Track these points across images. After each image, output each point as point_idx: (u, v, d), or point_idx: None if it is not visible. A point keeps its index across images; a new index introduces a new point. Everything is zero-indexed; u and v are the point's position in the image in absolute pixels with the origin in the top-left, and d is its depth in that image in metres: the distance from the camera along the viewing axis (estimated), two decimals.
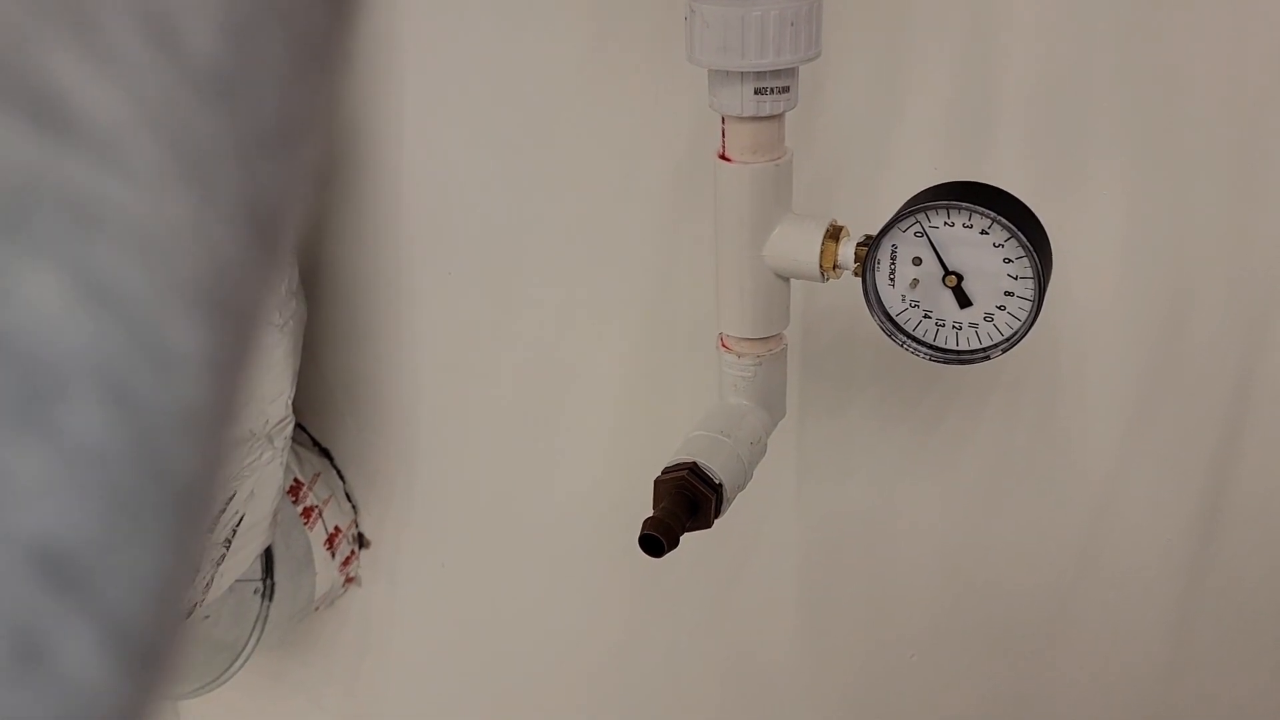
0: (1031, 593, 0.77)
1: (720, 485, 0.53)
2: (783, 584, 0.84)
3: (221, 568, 0.76)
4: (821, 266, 0.54)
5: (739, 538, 0.84)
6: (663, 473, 0.54)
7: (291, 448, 0.90)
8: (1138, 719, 0.78)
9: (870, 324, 0.64)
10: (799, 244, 0.54)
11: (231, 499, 0.74)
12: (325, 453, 0.98)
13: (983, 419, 0.72)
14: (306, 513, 0.94)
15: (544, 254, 0.80)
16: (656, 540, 0.50)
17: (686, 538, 0.85)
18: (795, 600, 0.84)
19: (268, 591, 0.90)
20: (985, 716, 0.82)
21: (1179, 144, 0.64)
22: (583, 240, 0.78)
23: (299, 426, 0.97)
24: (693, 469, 0.53)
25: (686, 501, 0.52)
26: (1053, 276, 0.63)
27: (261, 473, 0.77)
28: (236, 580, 0.85)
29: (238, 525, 0.76)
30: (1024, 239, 0.50)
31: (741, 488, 0.56)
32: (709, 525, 0.54)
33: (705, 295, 0.71)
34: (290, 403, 0.79)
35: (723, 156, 0.54)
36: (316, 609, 1.01)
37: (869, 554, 0.80)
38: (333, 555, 0.98)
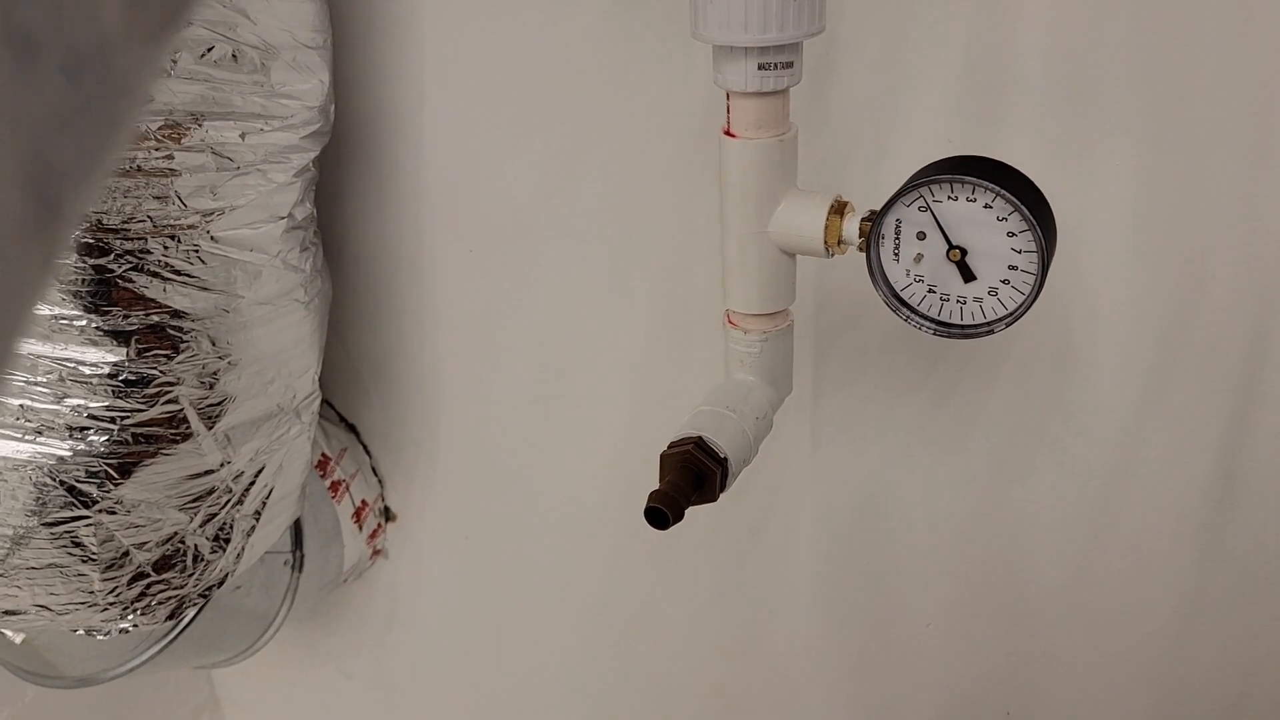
0: (1044, 563, 0.77)
1: (725, 459, 0.54)
2: (796, 557, 0.85)
3: (252, 539, 0.78)
4: (826, 242, 0.55)
5: (754, 510, 0.85)
6: (669, 447, 0.55)
7: (319, 423, 0.92)
8: (1149, 688, 0.79)
9: (878, 302, 0.65)
10: (804, 219, 0.55)
11: (260, 472, 0.77)
12: (352, 428, 1.00)
13: (995, 391, 0.73)
14: (334, 487, 0.97)
15: (561, 231, 0.81)
16: (661, 513, 0.52)
17: (703, 510, 0.86)
18: (809, 573, 0.85)
19: (297, 563, 0.93)
20: (998, 687, 0.83)
21: (1191, 116, 0.64)
22: (600, 217, 0.79)
23: (326, 403, 0.99)
24: (698, 443, 0.54)
25: (692, 475, 0.54)
26: (1064, 249, 0.63)
27: (290, 446, 0.79)
28: (267, 552, 0.87)
29: (267, 498, 0.78)
30: (1027, 213, 0.50)
31: (747, 462, 0.57)
32: (714, 499, 0.55)
33: (720, 271, 0.72)
34: (317, 379, 0.80)
35: (727, 132, 0.55)
36: (345, 581, 1.04)
37: (882, 526, 0.81)
38: (360, 528, 1.00)
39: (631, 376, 0.84)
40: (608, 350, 0.85)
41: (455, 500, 0.99)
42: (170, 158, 0.62)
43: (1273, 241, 0.66)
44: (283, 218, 0.71)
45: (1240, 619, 0.74)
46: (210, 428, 0.69)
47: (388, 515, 1.03)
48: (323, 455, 0.96)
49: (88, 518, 0.66)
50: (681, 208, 0.75)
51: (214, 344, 0.67)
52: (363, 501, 1.00)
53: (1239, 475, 0.71)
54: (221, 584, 0.78)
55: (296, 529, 0.92)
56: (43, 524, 0.65)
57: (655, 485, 0.55)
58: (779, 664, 0.90)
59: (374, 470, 1.01)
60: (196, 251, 0.65)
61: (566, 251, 0.82)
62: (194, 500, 0.72)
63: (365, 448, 1.01)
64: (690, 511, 0.88)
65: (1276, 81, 0.63)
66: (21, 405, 0.63)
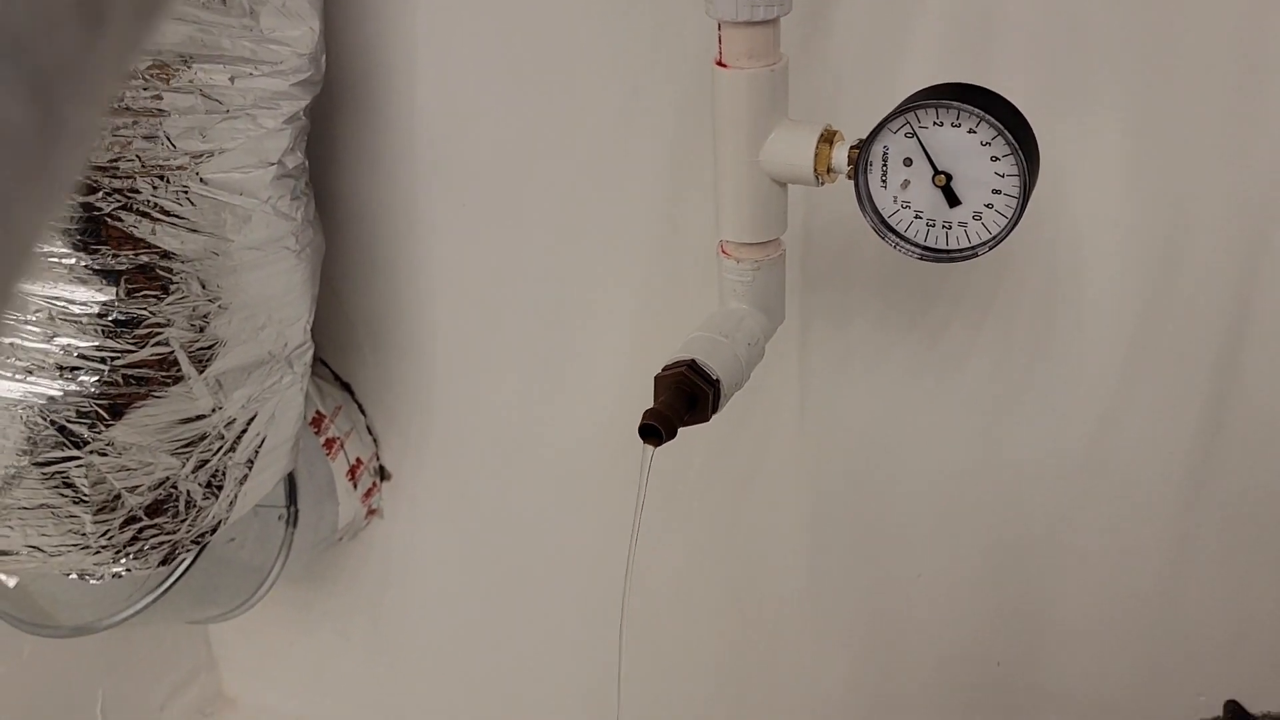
0: (1034, 507, 0.78)
1: (718, 381, 0.55)
2: (788, 502, 0.85)
3: (244, 487, 0.78)
4: (816, 170, 0.55)
5: (744, 457, 0.85)
6: (663, 369, 0.56)
7: (313, 381, 0.93)
8: (1142, 634, 0.79)
9: (871, 237, 0.65)
10: (794, 148, 0.55)
11: (253, 420, 0.77)
12: (346, 386, 1.01)
13: (984, 333, 0.73)
14: (328, 444, 0.97)
15: (556, 180, 0.81)
16: (655, 429, 0.52)
17: (696, 462, 0.86)
18: (799, 525, 0.86)
19: (291, 518, 0.93)
20: (989, 637, 0.84)
21: (1181, 58, 0.64)
22: (594, 164, 0.79)
23: (320, 361, 0.99)
24: (691, 365, 0.55)
25: (685, 396, 0.54)
26: (1052, 191, 0.64)
27: (282, 396, 0.79)
28: (261, 506, 0.87)
29: (260, 446, 0.79)
30: (1010, 138, 0.51)
31: (739, 386, 0.57)
32: (706, 419, 0.55)
33: (713, 218, 0.72)
34: (309, 329, 0.81)
35: (719, 63, 0.55)
36: (340, 540, 1.04)
37: (872, 475, 0.81)
38: (355, 486, 1.00)
39: (627, 327, 0.84)
40: (604, 304, 0.85)
41: (450, 459, 0.99)
42: (159, 98, 0.62)
43: (1262, 184, 0.66)
44: (273, 164, 0.71)
45: (1232, 562, 0.75)
46: (201, 371, 0.70)
47: (383, 474, 1.03)
48: (317, 412, 0.96)
49: (79, 459, 0.66)
50: (676, 148, 0.75)
51: (204, 286, 0.68)
52: (357, 460, 1.00)
53: (1227, 421, 0.72)
54: (214, 531, 0.78)
55: (290, 484, 0.92)
56: (34, 464, 0.66)
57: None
58: (770, 615, 0.91)
59: (369, 429, 1.02)
60: (186, 193, 0.65)
61: (560, 201, 0.82)
62: (186, 445, 0.72)
63: (360, 406, 1.01)
64: (683, 463, 0.88)
65: (1266, 25, 0.63)
66: (11, 344, 0.64)
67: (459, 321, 0.92)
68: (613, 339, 0.85)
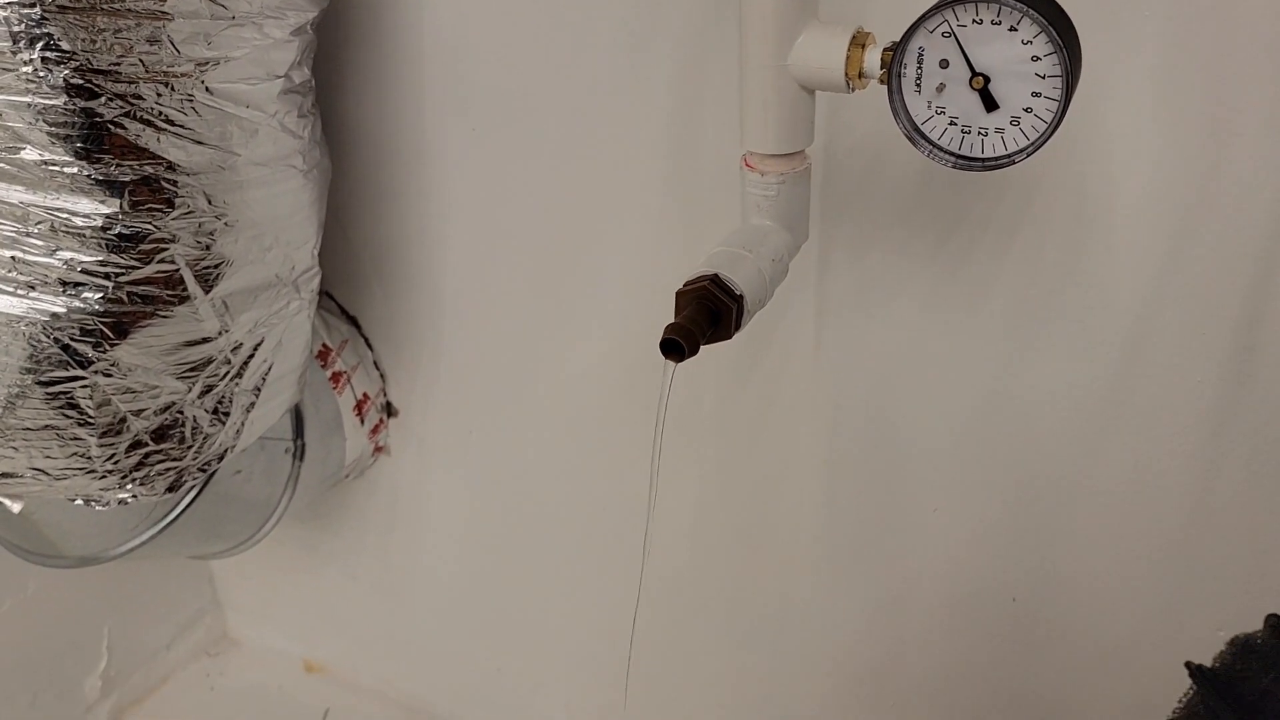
0: (1057, 440, 0.76)
1: (741, 296, 0.53)
2: (802, 442, 0.84)
3: (251, 415, 0.77)
4: (847, 74, 0.53)
5: (759, 396, 0.84)
6: (684, 285, 0.54)
7: (319, 314, 0.91)
8: (1162, 570, 0.78)
9: (894, 160, 0.63)
10: (824, 52, 0.53)
11: (259, 346, 0.75)
12: (353, 320, 0.99)
13: (1009, 260, 0.71)
14: (335, 378, 0.95)
15: (566, 102, 0.79)
16: (678, 344, 0.50)
17: (709, 397, 0.85)
18: (814, 459, 0.84)
19: (298, 452, 0.92)
20: (1005, 572, 0.83)
21: None
22: (605, 85, 0.77)
23: (327, 295, 0.97)
24: (714, 280, 0.53)
25: (708, 311, 0.52)
26: (1083, 107, 0.61)
27: (289, 322, 0.77)
28: (267, 438, 0.86)
29: (266, 374, 0.77)
30: (1054, 34, 0.49)
31: (763, 303, 0.55)
32: (729, 336, 0.54)
33: (730, 138, 0.70)
34: (316, 253, 0.79)
35: None
36: (347, 476, 1.03)
37: (890, 407, 0.80)
38: (362, 421, 0.99)
39: (639, 260, 0.83)
40: (615, 231, 0.83)
41: (458, 395, 0.98)
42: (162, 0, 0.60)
43: None
44: (279, 77, 0.69)
45: (1257, 495, 0.73)
46: (207, 291, 0.68)
47: (389, 411, 1.02)
48: (323, 345, 0.94)
49: (83, 379, 0.65)
50: (691, 60, 0.73)
51: (210, 202, 0.66)
52: (364, 395, 0.98)
53: (1258, 347, 0.70)
54: (221, 459, 0.77)
55: (297, 417, 0.91)
56: (37, 382, 0.64)
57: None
58: (785, 551, 0.90)
59: (376, 365, 1.00)
60: (190, 101, 0.63)
61: (570, 124, 0.80)
62: (192, 369, 0.70)
63: (367, 341, 0.99)
64: (697, 396, 0.87)
65: None
66: (13, 257, 0.62)
67: (467, 253, 0.90)
68: (625, 267, 0.84)
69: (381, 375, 1.01)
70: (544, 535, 1.00)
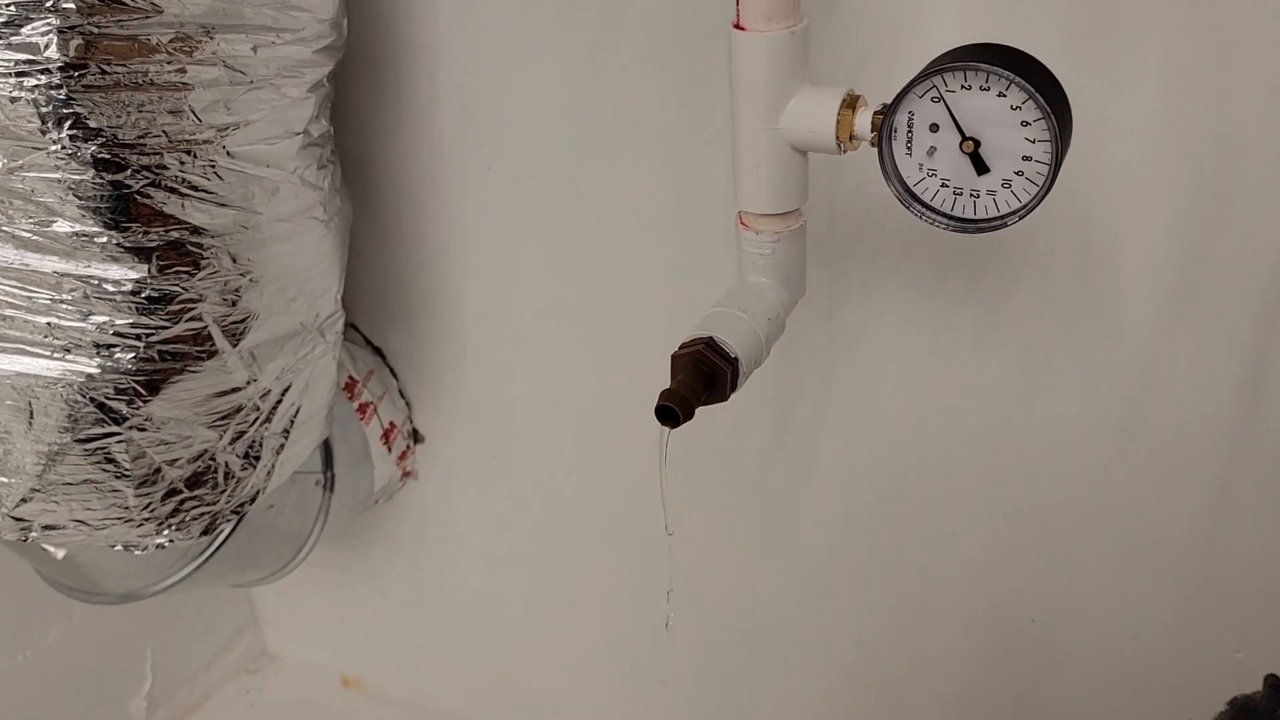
0: (1070, 466, 0.77)
1: (736, 359, 0.54)
2: (819, 467, 0.85)
3: (281, 457, 0.80)
4: (838, 137, 0.54)
5: (775, 422, 0.85)
6: (680, 347, 0.55)
7: (345, 346, 0.94)
8: (1177, 590, 0.79)
9: (896, 204, 0.63)
10: (815, 114, 0.54)
11: (287, 390, 0.78)
12: (378, 351, 1.01)
13: (1016, 292, 0.72)
14: (362, 409, 0.98)
15: (580, 143, 0.81)
16: (672, 411, 0.52)
17: (726, 422, 0.87)
18: (831, 484, 0.86)
19: (328, 483, 0.95)
20: (1022, 594, 0.84)
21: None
22: (616, 127, 0.79)
23: (352, 326, 1.00)
24: (709, 343, 0.54)
25: (703, 375, 0.54)
26: (1088, 139, 0.62)
27: (315, 366, 0.80)
28: (298, 473, 0.89)
29: (295, 416, 0.80)
30: (1042, 100, 0.50)
31: (759, 363, 0.57)
32: (725, 399, 0.55)
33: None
34: (339, 298, 0.81)
35: (737, 26, 0.54)
36: (376, 502, 1.06)
37: (905, 434, 0.81)
38: (389, 449, 1.02)
39: (652, 291, 0.84)
40: (630, 266, 0.84)
41: (481, 420, 1.00)
42: (183, 71, 0.62)
43: None
44: (298, 133, 0.71)
45: (1270, 519, 0.74)
46: (235, 345, 0.70)
47: (416, 437, 1.05)
48: (350, 378, 0.97)
49: (119, 434, 0.68)
50: (700, 114, 0.75)
51: (234, 260, 0.68)
52: (391, 423, 1.01)
53: (1269, 376, 0.70)
54: (253, 501, 0.79)
55: (326, 450, 0.93)
56: (75, 440, 0.67)
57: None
58: (801, 574, 0.91)
59: (401, 393, 1.03)
60: (213, 167, 0.65)
61: (584, 165, 0.82)
62: (222, 418, 0.73)
63: (392, 370, 1.02)
64: (713, 423, 0.88)
65: None
66: (49, 323, 0.65)
67: (487, 284, 0.92)
68: (638, 297, 0.85)
69: (407, 403, 1.03)
70: (565, 553, 1.03)
